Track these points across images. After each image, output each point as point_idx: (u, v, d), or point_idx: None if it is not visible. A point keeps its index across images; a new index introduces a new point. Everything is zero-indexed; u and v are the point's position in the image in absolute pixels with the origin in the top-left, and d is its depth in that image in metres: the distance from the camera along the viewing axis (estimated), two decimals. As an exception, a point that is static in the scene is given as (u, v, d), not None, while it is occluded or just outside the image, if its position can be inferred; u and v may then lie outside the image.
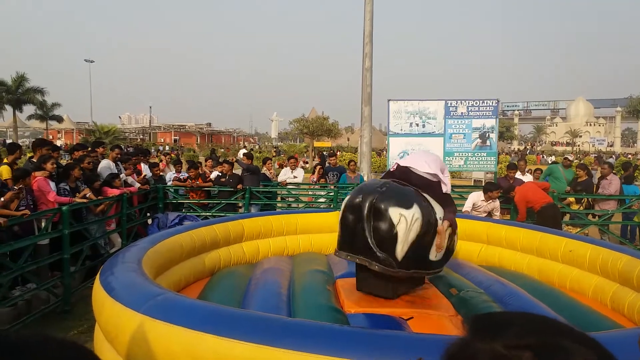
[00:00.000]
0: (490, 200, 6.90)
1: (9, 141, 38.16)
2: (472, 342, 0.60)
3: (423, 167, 3.93)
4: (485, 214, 6.92)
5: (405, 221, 3.56)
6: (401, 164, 4.09)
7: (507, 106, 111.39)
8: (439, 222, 3.80)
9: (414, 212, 3.60)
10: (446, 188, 3.98)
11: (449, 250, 4.00)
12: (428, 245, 3.75)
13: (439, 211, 3.86)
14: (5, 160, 5.93)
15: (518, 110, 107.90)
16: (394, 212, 3.57)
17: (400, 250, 3.58)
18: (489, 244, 5.70)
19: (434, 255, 3.81)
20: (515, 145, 72.55)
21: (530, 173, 9.14)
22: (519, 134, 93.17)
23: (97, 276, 3.21)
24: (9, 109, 39.95)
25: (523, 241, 5.26)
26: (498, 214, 7.03)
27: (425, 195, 3.87)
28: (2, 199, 4.80)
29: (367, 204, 3.65)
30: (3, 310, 4.56)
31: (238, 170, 8.90)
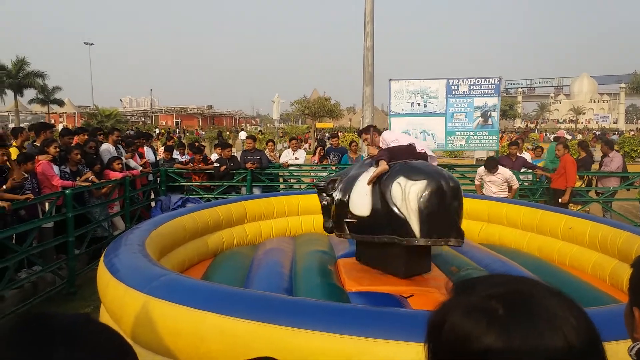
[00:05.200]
0: (498, 172, 6.84)
1: (11, 125, 38.20)
2: (450, 300, 0.64)
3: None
4: (504, 185, 6.83)
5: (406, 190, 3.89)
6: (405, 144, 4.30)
7: (511, 84, 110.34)
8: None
9: (416, 183, 3.89)
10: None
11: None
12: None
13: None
14: (14, 144, 5.99)
15: (522, 88, 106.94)
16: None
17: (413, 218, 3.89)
18: (489, 223, 5.73)
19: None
20: (518, 124, 72.08)
21: (528, 151, 9.10)
22: (522, 112, 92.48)
23: (102, 258, 3.26)
24: (9, 93, 39.81)
25: (523, 219, 5.28)
26: (515, 183, 6.95)
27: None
28: (5, 186, 4.84)
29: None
30: (10, 293, 4.64)
31: (238, 154, 8.90)
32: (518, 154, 8.23)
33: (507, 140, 18.28)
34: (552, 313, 0.58)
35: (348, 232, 4.19)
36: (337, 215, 4.27)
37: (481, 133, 8.71)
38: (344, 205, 4.18)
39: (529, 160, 8.58)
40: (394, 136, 4.48)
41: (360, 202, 4.04)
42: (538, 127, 62.88)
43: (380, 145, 4.36)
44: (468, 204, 5.87)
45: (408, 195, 3.71)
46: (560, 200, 7.18)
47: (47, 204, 5.26)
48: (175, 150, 9.59)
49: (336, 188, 4.32)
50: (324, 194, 4.44)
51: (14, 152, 5.56)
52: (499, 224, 5.61)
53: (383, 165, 3.93)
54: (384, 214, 3.84)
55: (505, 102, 59.12)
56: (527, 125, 66.31)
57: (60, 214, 5.24)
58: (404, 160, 4.03)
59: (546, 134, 43.86)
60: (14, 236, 4.68)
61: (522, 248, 5.22)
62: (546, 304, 0.59)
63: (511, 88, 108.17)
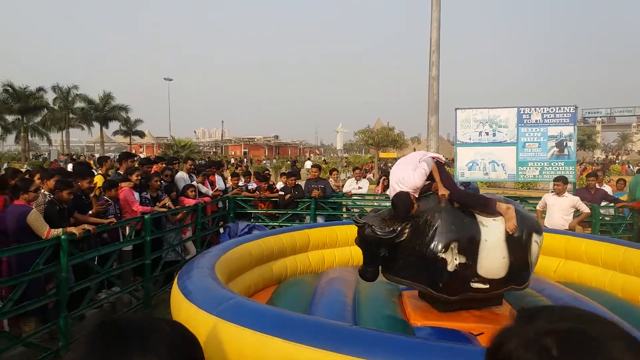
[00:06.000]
0: (563, 195, 6.52)
1: (96, 155, 41.52)
2: (510, 327, 0.63)
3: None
4: (570, 210, 6.48)
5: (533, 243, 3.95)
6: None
7: (589, 112, 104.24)
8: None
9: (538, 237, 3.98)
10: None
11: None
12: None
13: None
14: (99, 172, 6.54)
15: (600, 117, 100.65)
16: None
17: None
18: (567, 259, 5.38)
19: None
20: (597, 154, 67.65)
21: (610, 183, 8.49)
22: (602, 143, 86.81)
23: (175, 280, 3.43)
24: (96, 125, 43.62)
25: (605, 256, 4.91)
26: (585, 208, 6.56)
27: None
28: (91, 211, 5.27)
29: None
30: (90, 312, 4.95)
31: (302, 182, 9.07)
32: (598, 186, 7.73)
33: (581, 171, 17.17)
34: (613, 359, 0.54)
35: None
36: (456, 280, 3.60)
37: (556, 164, 8.28)
38: (468, 270, 3.58)
39: (610, 193, 8.02)
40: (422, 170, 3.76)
41: (498, 265, 3.66)
42: (620, 158, 58.64)
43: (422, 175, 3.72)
44: (544, 239, 5.59)
45: (538, 251, 3.90)
46: None
47: (127, 228, 5.63)
48: (242, 179, 9.95)
49: (445, 247, 3.51)
50: (385, 244, 3.66)
51: (99, 180, 6.05)
52: (578, 261, 5.24)
53: (513, 211, 3.68)
54: (519, 272, 3.79)
55: (583, 132, 55.86)
56: (607, 157, 62.06)
57: (139, 237, 5.58)
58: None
59: (629, 166, 40.77)
60: (96, 258, 5.03)
61: (604, 287, 4.83)
62: (609, 347, 0.55)
63: (589, 117, 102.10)
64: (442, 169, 3.88)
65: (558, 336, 0.57)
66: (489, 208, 3.62)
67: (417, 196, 3.72)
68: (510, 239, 3.66)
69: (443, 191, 3.70)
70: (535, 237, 3.82)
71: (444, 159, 4.16)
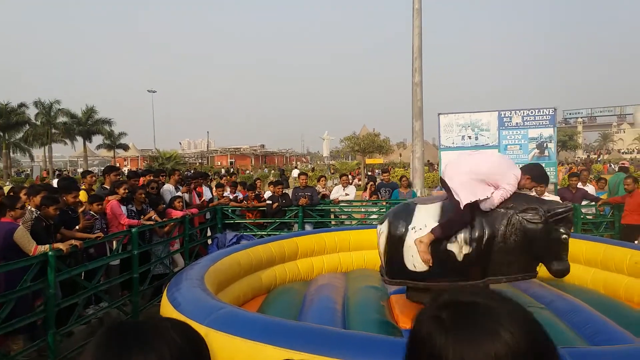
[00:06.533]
0: (544, 195, 6.65)
1: (79, 170, 41.04)
2: (425, 306, 0.73)
3: (451, 179, 3.64)
4: None
5: (378, 235, 4.03)
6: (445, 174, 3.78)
7: (570, 114, 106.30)
8: (410, 232, 3.73)
9: (381, 227, 3.97)
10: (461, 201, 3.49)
11: (453, 261, 3.60)
12: (400, 256, 3.76)
13: (417, 223, 3.75)
14: (83, 187, 6.51)
15: (581, 117, 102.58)
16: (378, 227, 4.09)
17: (382, 261, 4.03)
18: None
19: (412, 265, 3.69)
20: (579, 154, 68.81)
21: (592, 182, 8.69)
22: (583, 143, 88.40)
23: (164, 293, 3.45)
24: (79, 139, 43.12)
25: (586, 254, 5.04)
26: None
27: (421, 205, 3.94)
28: (78, 226, 5.25)
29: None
30: (78, 328, 4.91)
31: (289, 191, 9.12)
32: (581, 186, 7.90)
33: (566, 171, 17.49)
34: (496, 319, 0.64)
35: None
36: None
37: (537, 165, 8.46)
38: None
39: (593, 192, 8.20)
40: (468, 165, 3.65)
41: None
42: (601, 157, 59.74)
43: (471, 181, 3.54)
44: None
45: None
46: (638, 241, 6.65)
47: (114, 242, 5.61)
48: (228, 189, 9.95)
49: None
50: None
51: (82, 195, 6.02)
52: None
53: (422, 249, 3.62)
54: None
55: (565, 133, 56.85)
56: (588, 156, 63.19)
57: (126, 252, 5.56)
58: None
59: (610, 165, 41.59)
60: (83, 273, 5.00)
61: (587, 284, 4.96)
62: (498, 316, 0.65)
63: (570, 118, 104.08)
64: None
65: (452, 308, 0.68)
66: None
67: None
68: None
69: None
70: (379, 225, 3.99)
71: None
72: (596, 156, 62.97)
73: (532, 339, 0.64)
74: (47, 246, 4.30)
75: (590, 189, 8.34)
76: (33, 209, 4.84)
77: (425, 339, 0.67)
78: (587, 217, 7.72)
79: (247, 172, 42.49)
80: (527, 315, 0.67)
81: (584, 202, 7.74)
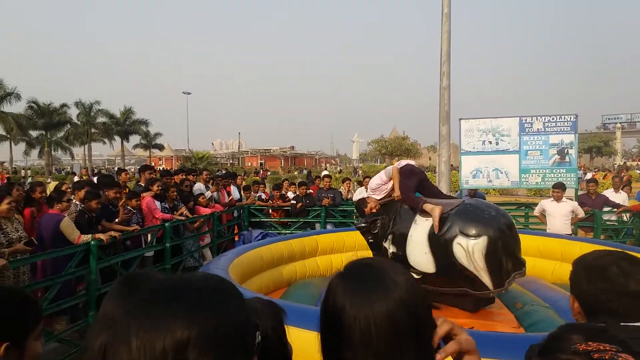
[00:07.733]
0: (562, 201, 6.78)
1: (115, 168, 42.61)
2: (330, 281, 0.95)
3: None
4: (569, 216, 6.73)
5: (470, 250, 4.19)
6: None
7: (608, 118, 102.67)
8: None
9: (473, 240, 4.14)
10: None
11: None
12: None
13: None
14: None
15: (621, 122, 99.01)
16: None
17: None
18: (563, 261, 5.63)
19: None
20: (618, 161, 66.50)
21: (625, 190, 8.52)
22: (622, 149, 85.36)
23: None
24: (117, 139, 44.76)
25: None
26: (581, 212, 6.87)
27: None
28: (117, 219, 5.73)
29: None
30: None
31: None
32: (612, 192, 7.82)
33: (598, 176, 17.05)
34: (384, 278, 0.84)
35: None
36: None
37: (558, 170, 8.51)
38: (400, 260, 4.17)
39: (625, 199, 8.04)
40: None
41: (422, 260, 4.09)
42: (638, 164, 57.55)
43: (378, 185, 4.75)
44: (540, 242, 5.86)
45: (473, 255, 3.79)
46: None
47: (149, 236, 6.07)
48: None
49: (386, 237, 4.50)
50: (369, 234, 4.73)
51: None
52: (573, 263, 5.49)
53: (437, 211, 3.99)
54: (452, 272, 3.93)
55: (600, 139, 55.07)
56: (624, 163, 60.99)
57: (159, 244, 6.01)
58: (422, 185, 4.52)
59: (649, 172, 40.09)
60: (120, 262, 5.45)
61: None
62: (384, 273, 0.85)
63: (609, 123, 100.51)
64: (404, 176, 4.43)
65: (350, 270, 0.91)
66: (416, 209, 4.29)
67: (378, 198, 4.62)
68: (432, 238, 4.02)
69: (396, 193, 4.48)
70: (459, 239, 3.87)
71: (413, 164, 4.70)
72: (635, 163, 60.69)
73: (416, 297, 0.83)
74: (89, 236, 4.76)
75: (622, 196, 8.15)
76: (77, 202, 5.33)
77: (330, 290, 0.88)
78: (607, 223, 7.73)
79: (270, 173, 43.04)
80: (411, 278, 0.87)
81: (606, 209, 7.73)
